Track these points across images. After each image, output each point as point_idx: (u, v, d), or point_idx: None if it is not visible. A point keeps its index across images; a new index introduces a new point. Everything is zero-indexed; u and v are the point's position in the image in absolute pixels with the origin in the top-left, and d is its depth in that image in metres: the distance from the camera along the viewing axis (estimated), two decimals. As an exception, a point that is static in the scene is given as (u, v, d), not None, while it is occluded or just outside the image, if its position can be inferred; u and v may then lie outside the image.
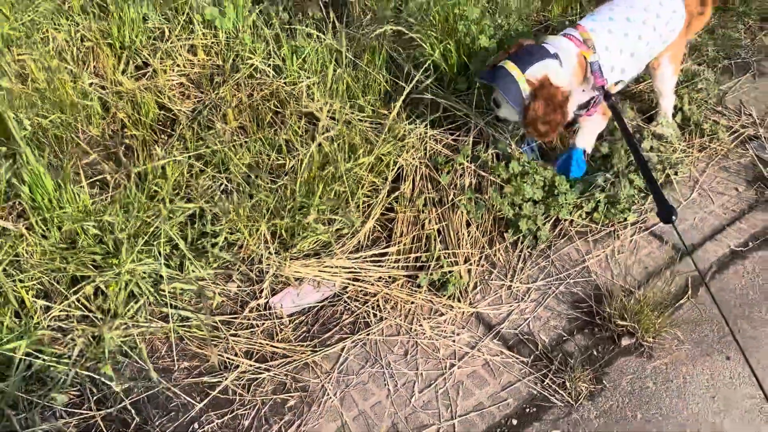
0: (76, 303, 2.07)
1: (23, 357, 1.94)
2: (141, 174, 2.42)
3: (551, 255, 2.52)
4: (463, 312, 2.33)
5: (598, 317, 2.29)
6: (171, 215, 2.22)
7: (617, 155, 2.64)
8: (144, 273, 2.13)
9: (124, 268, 2.08)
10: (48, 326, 2.04)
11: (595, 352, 2.22)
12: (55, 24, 3.00)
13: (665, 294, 2.26)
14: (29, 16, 3.01)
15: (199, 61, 3.02)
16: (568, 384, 2.11)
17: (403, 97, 2.65)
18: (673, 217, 1.95)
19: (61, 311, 2.05)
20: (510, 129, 2.73)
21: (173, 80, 2.93)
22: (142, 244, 2.15)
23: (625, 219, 2.61)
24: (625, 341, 2.22)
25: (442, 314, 2.32)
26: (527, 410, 2.06)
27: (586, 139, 2.69)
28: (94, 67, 2.94)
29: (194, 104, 2.86)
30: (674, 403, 2.06)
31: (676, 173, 2.80)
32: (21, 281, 2.04)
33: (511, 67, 2.36)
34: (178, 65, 3.00)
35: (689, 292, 2.35)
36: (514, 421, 2.03)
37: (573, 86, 2.42)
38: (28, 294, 1.99)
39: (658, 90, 2.84)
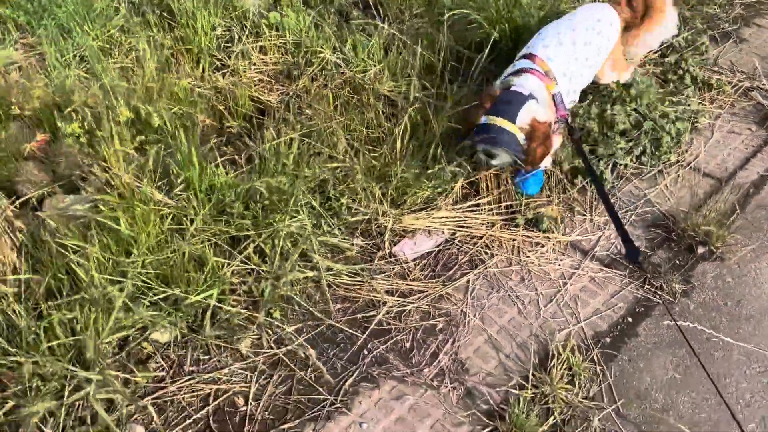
0: (242, 261, 2.34)
1: (214, 304, 2.19)
2: (259, 154, 2.70)
3: (617, 193, 2.94)
4: (560, 242, 2.71)
5: (673, 234, 2.72)
6: (303, 181, 2.51)
7: (647, 100, 3.07)
8: (294, 230, 2.42)
9: (283, 224, 2.36)
10: (224, 281, 2.29)
11: (677, 261, 2.64)
12: (130, 35, 3.25)
13: (722, 211, 2.71)
14: (108, 30, 3.26)
15: (271, 59, 3.33)
16: (664, 286, 2.51)
17: (473, 69, 3.04)
18: (639, 257, 2.33)
19: (231, 268, 2.31)
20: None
21: (254, 77, 3.23)
22: (282, 207, 2.44)
23: (669, 159, 3.07)
24: (700, 249, 2.65)
25: (542, 246, 2.69)
26: (637, 310, 2.45)
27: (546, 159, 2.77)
28: (177, 70, 3.20)
29: (278, 96, 3.16)
30: (752, 290, 2.50)
31: (697, 121, 3.29)
32: (192, 243, 2.29)
33: (501, 122, 2.47)
34: (254, 64, 3.29)
35: (737, 210, 2.80)
36: (629, 319, 2.42)
37: (550, 117, 2.58)
38: (208, 252, 2.24)
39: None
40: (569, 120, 2.75)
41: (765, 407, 2.12)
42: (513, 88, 2.56)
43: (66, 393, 1.90)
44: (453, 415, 2.13)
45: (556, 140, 2.77)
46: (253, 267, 2.35)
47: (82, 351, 1.93)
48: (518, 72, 2.64)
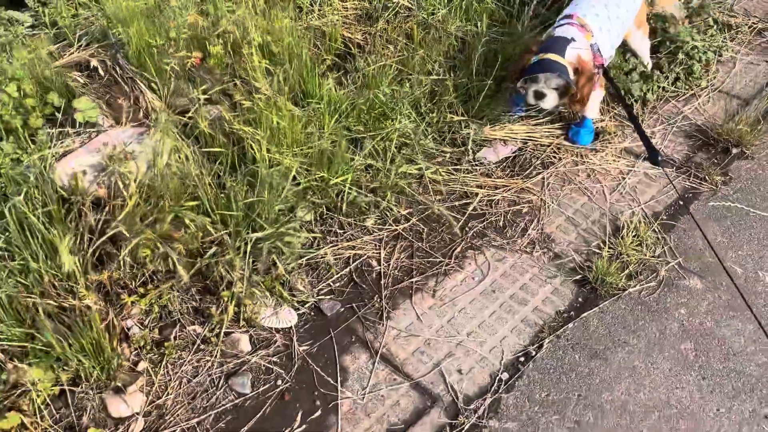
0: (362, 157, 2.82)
1: (347, 186, 2.67)
2: (363, 74, 3.17)
3: (658, 111, 3.45)
4: (615, 148, 3.21)
5: (710, 140, 3.23)
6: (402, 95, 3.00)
7: (683, 34, 3.57)
8: (400, 133, 2.90)
9: (393, 128, 2.84)
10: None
11: (715, 160, 3.15)
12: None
13: (750, 121, 3.22)
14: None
15: (351, 5, 3.80)
16: (707, 178, 3.02)
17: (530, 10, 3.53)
18: (659, 158, 2.79)
19: (356, 162, 2.78)
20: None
21: (337, 20, 3.69)
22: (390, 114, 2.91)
23: (699, 84, 3.58)
24: (734, 150, 3.16)
25: (601, 151, 3.19)
26: (686, 196, 2.96)
27: (592, 110, 3.11)
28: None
29: (362, 35, 3.63)
30: (780, 179, 3.01)
31: (721, 55, 3.80)
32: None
33: (552, 56, 2.75)
34: (336, 9, 3.76)
35: (761, 120, 3.31)
36: (681, 203, 2.93)
37: (591, 63, 2.88)
38: (339, 148, 2.71)
39: (635, 51, 3.35)
40: (605, 66, 3.02)
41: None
42: (558, 34, 2.86)
43: (248, 248, 2.37)
44: (547, 270, 2.63)
45: (600, 92, 3.07)
46: (371, 163, 2.83)
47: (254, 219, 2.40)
48: (559, 26, 2.96)
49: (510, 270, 2.64)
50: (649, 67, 3.44)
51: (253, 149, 2.52)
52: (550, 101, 2.89)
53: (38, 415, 2.01)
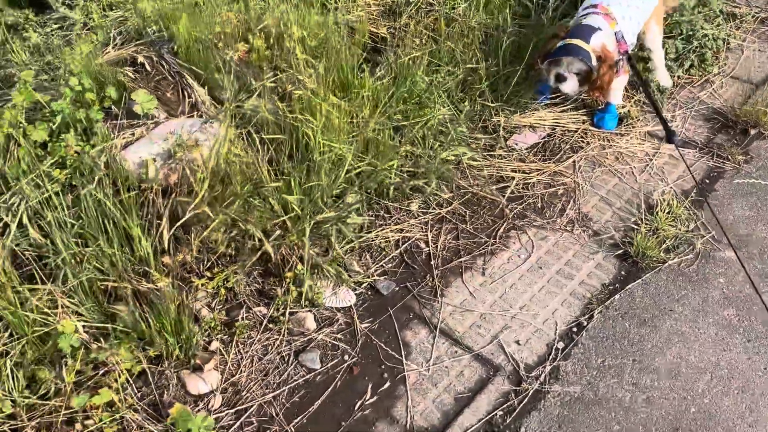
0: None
1: (393, 172, 2.76)
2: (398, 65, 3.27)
3: (676, 97, 3.59)
4: (639, 132, 3.34)
5: (729, 121, 3.38)
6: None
7: (698, 24, 3.73)
8: (439, 121, 3.01)
9: (433, 114, 2.95)
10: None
11: (735, 141, 3.30)
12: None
13: (766, 101, 3.38)
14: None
15: (374, 1, 3.91)
16: (729, 158, 3.17)
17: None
18: (675, 138, 3.01)
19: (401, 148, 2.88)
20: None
21: (362, 15, 3.80)
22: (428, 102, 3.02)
23: (712, 71, 3.74)
24: (753, 131, 3.32)
25: (627, 135, 3.33)
26: (712, 174, 3.11)
27: (617, 96, 3.25)
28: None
29: (387, 29, 3.74)
30: (797, 157, 3.17)
31: (729, 42, 3.97)
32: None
33: (578, 41, 2.89)
34: (359, 6, 3.86)
35: (776, 102, 3.47)
36: (707, 180, 3.07)
37: (616, 50, 3.00)
38: (383, 136, 2.81)
39: (650, 47, 3.42)
40: (629, 53, 3.11)
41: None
42: (585, 23, 2.99)
43: (308, 232, 2.46)
44: (588, 247, 2.76)
45: (624, 78, 3.18)
46: (413, 150, 2.93)
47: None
48: (585, 15, 3.06)
49: (553, 248, 2.75)
50: (660, 62, 3.55)
51: (307, 137, 2.61)
52: (571, 85, 3.01)
53: (123, 393, 2.07)
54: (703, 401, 2.20)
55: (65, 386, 1.96)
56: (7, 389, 1.95)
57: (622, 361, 2.33)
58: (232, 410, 2.17)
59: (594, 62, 2.91)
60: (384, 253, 2.69)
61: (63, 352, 2.00)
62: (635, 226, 2.81)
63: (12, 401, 1.94)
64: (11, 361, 1.97)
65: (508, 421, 2.17)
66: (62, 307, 2.01)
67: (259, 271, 2.52)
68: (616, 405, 2.20)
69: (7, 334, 2.01)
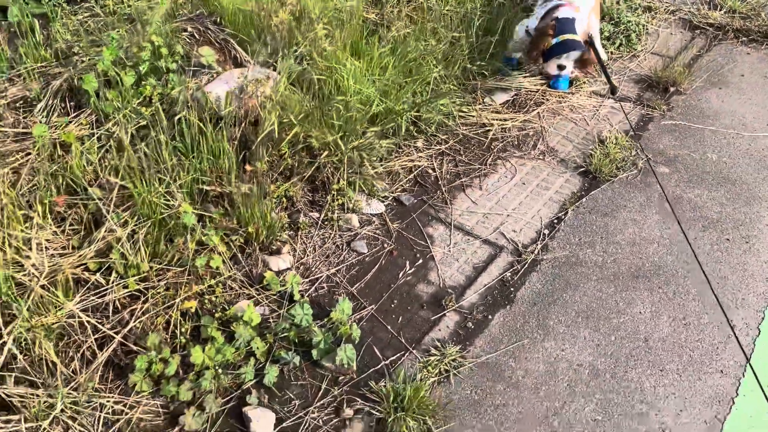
0: (412, 93, 3.64)
1: (404, 116, 3.48)
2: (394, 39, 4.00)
3: (611, 67, 4.49)
4: (586, 91, 4.20)
5: (653, 83, 4.29)
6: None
7: (623, 13, 4.66)
8: (435, 78, 3.75)
9: (431, 71, 3.69)
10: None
11: (659, 96, 4.20)
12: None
13: (678, 70, 4.30)
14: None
15: (361, -7, 4.64)
16: (656, 108, 4.06)
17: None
18: (617, 91, 3.79)
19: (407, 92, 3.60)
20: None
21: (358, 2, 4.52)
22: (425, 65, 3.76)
23: (636, 48, 4.67)
24: (672, 89, 4.23)
25: (575, 94, 4.17)
26: (644, 119, 3.98)
27: None
28: None
29: (375, 15, 4.48)
30: (705, 104, 4.09)
31: (647, 28, 4.93)
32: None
33: (572, 36, 3.58)
34: (350, -4, 4.59)
35: (686, 69, 4.40)
36: (641, 123, 3.94)
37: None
38: (391, 89, 3.52)
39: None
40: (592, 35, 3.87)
41: (730, 146, 3.68)
42: (562, 16, 3.64)
43: (345, 156, 3.12)
44: (558, 169, 3.54)
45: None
46: (414, 99, 3.66)
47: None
48: (555, 7, 3.74)
49: (531, 170, 3.53)
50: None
51: (337, 83, 3.29)
52: (569, 70, 3.75)
53: (223, 267, 2.67)
54: (653, 259, 2.99)
55: (188, 252, 2.55)
56: (138, 258, 2.51)
57: (593, 238, 3.10)
58: (307, 279, 2.80)
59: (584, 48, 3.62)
60: (401, 176, 3.38)
61: (180, 230, 2.58)
62: (592, 153, 3.62)
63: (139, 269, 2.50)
64: (142, 237, 2.54)
65: (515, 279, 2.89)
66: (178, 197, 2.60)
67: (308, 188, 3.16)
68: (593, 264, 2.96)
69: (135, 218, 2.58)
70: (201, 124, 2.82)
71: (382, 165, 3.35)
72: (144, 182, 2.59)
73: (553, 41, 3.63)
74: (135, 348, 2.36)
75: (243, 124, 2.97)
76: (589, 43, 3.76)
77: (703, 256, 2.99)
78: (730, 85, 4.29)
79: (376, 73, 3.58)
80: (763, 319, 2.70)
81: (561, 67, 3.72)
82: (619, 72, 4.41)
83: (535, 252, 3.01)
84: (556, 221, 3.20)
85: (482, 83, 4.07)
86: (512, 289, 2.84)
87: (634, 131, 3.83)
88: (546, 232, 3.14)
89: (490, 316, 2.71)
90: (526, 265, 2.95)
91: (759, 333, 2.65)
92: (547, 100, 4.07)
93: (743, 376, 2.49)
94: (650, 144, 3.72)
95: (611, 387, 2.43)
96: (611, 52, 4.60)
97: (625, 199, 3.34)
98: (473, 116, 3.86)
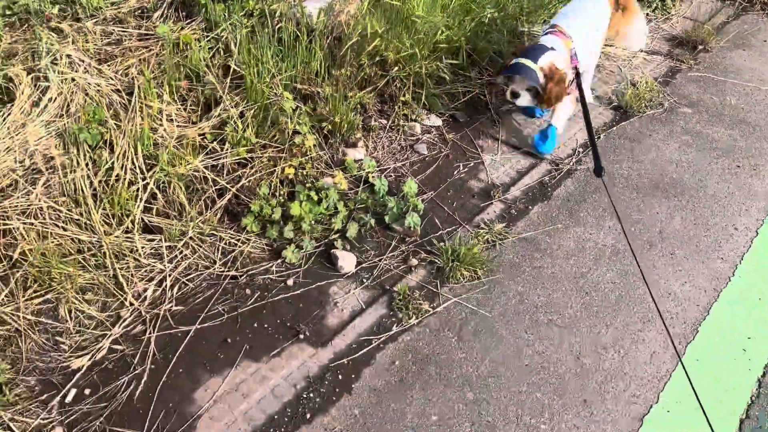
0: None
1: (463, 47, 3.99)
2: None
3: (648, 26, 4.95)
4: (618, 46, 4.68)
5: (683, 41, 4.76)
6: None
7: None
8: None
9: (483, 14, 4.20)
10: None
11: (687, 52, 4.67)
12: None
13: (708, 31, 4.77)
14: None
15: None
16: (684, 61, 4.54)
17: None
18: (603, 173, 2.73)
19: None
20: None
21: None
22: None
23: (670, 12, 5.13)
24: (699, 47, 4.71)
25: (611, 46, 4.66)
26: (672, 70, 4.46)
27: (560, 120, 3.54)
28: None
29: None
30: (728, 61, 4.57)
31: (682, -4, 5.38)
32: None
33: (525, 61, 3.16)
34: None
35: (715, 32, 4.86)
36: (671, 73, 4.42)
37: (567, 68, 3.27)
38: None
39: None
40: (579, 69, 3.40)
41: (748, 96, 4.16)
42: (540, 42, 3.31)
43: (412, 73, 3.65)
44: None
45: (570, 106, 3.51)
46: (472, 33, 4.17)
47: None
48: (545, 33, 3.40)
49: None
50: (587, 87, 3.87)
51: (409, 12, 3.81)
52: (524, 100, 3.32)
53: (313, 149, 3.22)
54: (672, 176, 3.50)
55: (288, 131, 3.10)
56: (247, 133, 3.07)
57: (620, 157, 3.61)
58: (377, 169, 3.35)
59: (542, 79, 3.17)
60: (457, 98, 3.91)
61: (279, 115, 3.13)
62: (624, 92, 4.12)
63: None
64: (250, 116, 3.09)
65: (552, 182, 3.41)
66: (279, 88, 3.15)
67: (378, 99, 3.70)
68: (619, 176, 3.48)
69: (245, 101, 3.13)
70: (298, 32, 3.36)
71: (441, 87, 3.88)
72: (253, 73, 3.14)
73: (511, 62, 3.27)
74: (245, 200, 2.93)
75: (330, 37, 3.51)
76: (560, 79, 3.25)
77: (715, 176, 3.50)
78: (753, 47, 4.76)
79: (439, 9, 4.10)
80: (761, 224, 3.21)
81: (514, 95, 3.34)
82: (652, 31, 4.88)
83: (570, 164, 3.53)
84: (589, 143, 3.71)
85: (529, 28, 4.57)
86: (549, 189, 3.37)
87: (663, 79, 4.31)
88: (580, 150, 3.65)
89: (530, 207, 3.24)
90: (562, 174, 3.47)
91: (757, 234, 3.15)
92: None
93: (740, 263, 3.00)
94: (676, 90, 4.21)
95: (629, 262, 2.96)
96: (647, 14, 5.07)
97: (651, 130, 3.84)
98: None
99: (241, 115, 3.12)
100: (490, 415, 2.31)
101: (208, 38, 3.44)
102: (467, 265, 2.81)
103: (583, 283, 2.85)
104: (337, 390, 2.36)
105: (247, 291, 2.67)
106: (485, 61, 4.13)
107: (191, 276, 2.68)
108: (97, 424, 2.17)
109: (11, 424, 2.08)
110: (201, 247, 2.76)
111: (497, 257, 2.93)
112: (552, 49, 3.23)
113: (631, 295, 2.80)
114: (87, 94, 2.93)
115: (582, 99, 3.20)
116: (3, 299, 2.38)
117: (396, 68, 3.62)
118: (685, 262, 2.98)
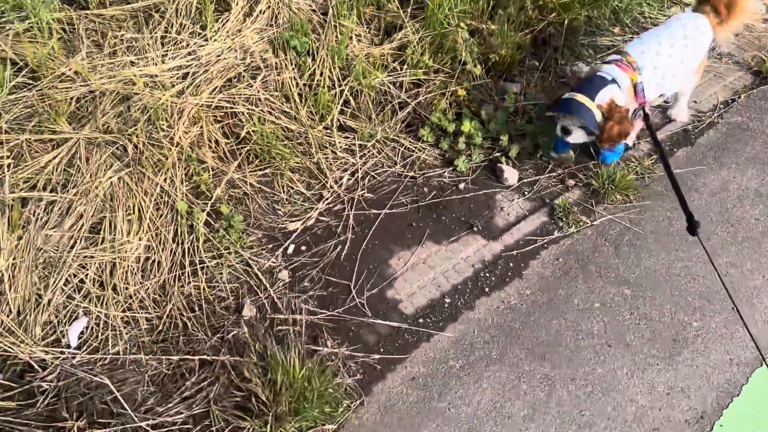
0: None
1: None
2: None
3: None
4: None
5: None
6: None
7: None
8: None
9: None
10: None
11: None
12: None
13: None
14: None
15: None
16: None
17: None
18: (698, 230, 2.34)
19: None
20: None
21: None
22: None
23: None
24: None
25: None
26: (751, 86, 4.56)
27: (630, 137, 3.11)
28: None
29: None
30: None
31: None
32: None
33: (581, 98, 2.75)
34: None
35: None
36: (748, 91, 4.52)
37: (629, 103, 2.88)
38: None
39: (682, 90, 3.43)
40: (647, 108, 3.02)
41: None
42: (599, 74, 2.86)
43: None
44: (732, 68, 4.21)
45: (638, 124, 3.17)
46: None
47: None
48: (607, 62, 2.94)
49: (710, 65, 4.22)
50: (685, 102, 3.59)
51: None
52: (577, 137, 2.94)
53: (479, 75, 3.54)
54: (812, 136, 3.68)
55: (460, 57, 3.43)
56: (424, 57, 3.41)
57: (761, 115, 3.79)
58: (531, 101, 3.65)
59: (599, 118, 2.81)
60: (603, 51, 4.15)
61: (452, 45, 3.46)
62: (764, 58, 4.27)
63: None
64: (427, 43, 3.43)
65: (695, 131, 3.64)
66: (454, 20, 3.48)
67: (532, 44, 3.98)
68: (759, 132, 3.67)
69: (424, 28, 3.47)
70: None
71: (588, 38, 4.14)
72: (435, 3, 3.48)
73: (565, 95, 2.89)
74: (423, 115, 3.29)
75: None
76: (621, 117, 2.84)
77: None
78: None
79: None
80: None
81: (565, 131, 2.95)
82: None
83: (712, 117, 3.74)
84: (729, 101, 3.91)
85: (670, -4, 4.74)
86: (693, 137, 3.60)
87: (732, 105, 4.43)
88: (721, 106, 3.85)
89: (675, 149, 3.49)
90: (705, 125, 3.69)
91: None
92: (726, 18, 4.70)
93: None
94: None
95: (770, 204, 3.18)
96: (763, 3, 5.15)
97: (791, 93, 4.00)
98: (669, 16, 4.56)
99: (420, 40, 3.47)
100: (647, 309, 2.61)
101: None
102: (621, 190, 3.09)
103: (728, 216, 3.09)
104: (509, 273, 2.70)
105: (425, 189, 3.04)
106: (629, 19, 4.35)
107: (378, 171, 3.07)
108: (314, 272, 2.58)
109: (250, 261, 2.51)
110: (384, 150, 3.14)
111: (647, 187, 3.20)
112: (613, 82, 2.83)
113: (773, 232, 3.02)
114: (291, 9, 3.34)
115: (655, 140, 2.84)
116: (234, 168, 2.81)
117: (552, 15, 3.89)
118: (825, 210, 3.18)
